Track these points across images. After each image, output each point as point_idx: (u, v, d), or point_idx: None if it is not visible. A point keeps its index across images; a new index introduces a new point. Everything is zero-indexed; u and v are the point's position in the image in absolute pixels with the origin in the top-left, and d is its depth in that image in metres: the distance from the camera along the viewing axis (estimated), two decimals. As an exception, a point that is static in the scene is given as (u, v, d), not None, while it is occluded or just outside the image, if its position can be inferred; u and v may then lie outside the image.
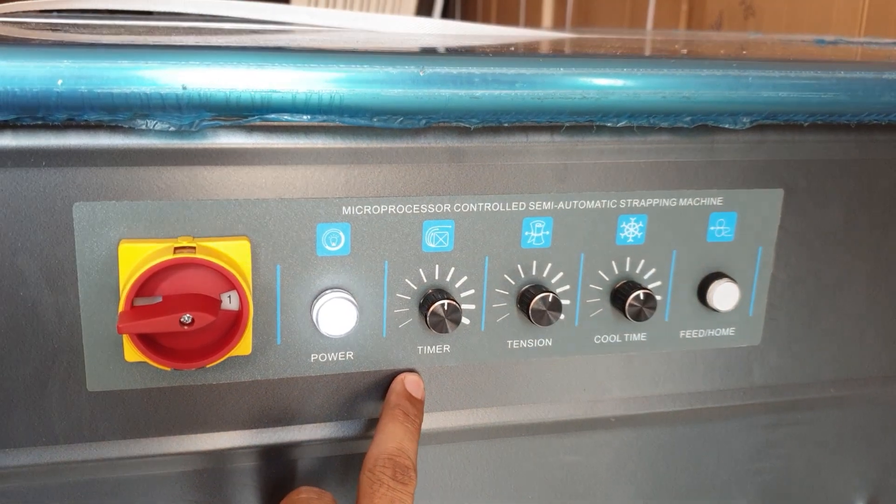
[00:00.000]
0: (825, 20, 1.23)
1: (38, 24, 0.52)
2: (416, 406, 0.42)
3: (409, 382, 0.43)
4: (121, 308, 0.36)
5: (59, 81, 0.32)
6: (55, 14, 0.71)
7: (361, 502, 0.37)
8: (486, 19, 2.75)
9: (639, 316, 0.43)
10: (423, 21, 0.69)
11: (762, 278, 0.46)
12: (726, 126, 0.41)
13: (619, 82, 0.38)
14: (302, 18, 0.63)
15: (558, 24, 2.24)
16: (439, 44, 0.52)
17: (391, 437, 0.39)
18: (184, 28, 0.53)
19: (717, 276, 0.45)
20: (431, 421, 0.44)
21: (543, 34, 0.72)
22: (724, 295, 0.45)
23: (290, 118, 0.36)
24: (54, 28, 0.48)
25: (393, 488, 0.37)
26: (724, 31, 1.50)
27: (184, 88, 0.34)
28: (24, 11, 0.67)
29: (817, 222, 0.46)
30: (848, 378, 0.49)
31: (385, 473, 0.38)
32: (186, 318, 0.37)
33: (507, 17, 2.61)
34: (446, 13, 2.91)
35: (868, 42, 0.79)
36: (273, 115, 0.36)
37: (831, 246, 0.47)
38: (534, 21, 2.35)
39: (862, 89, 0.41)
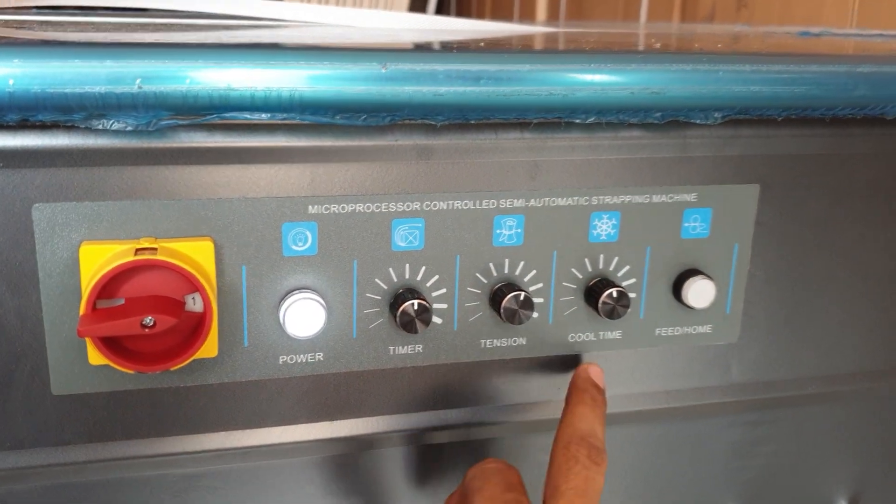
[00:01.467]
0: (817, 11, 1.22)
1: (5, 21, 0.51)
2: (601, 394, 0.43)
3: (593, 372, 0.44)
4: (82, 311, 0.36)
5: (11, 81, 0.32)
6: (34, 11, 0.71)
7: (556, 477, 0.39)
8: (480, 13, 2.75)
9: (612, 314, 0.43)
10: (404, 16, 0.68)
11: (739, 275, 0.46)
12: (698, 121, 0.41)
13: (585, 78, 0.37)
14: (279, 14, 0.63)
15: (552, 17, 2.23)
16: (416, 39, 0.51)
17: (583, 419, 0.41)
18: (153, 25, 0.53)
19: (693, 272, 0.44)
20: (404, 422, 0.44)
21: (525, 29, 0.71)
22: (699, 292, 0.44)
23: (249, 116, 0.35)
24: (20, 26, 0.47)
25: (588, 467, 0.39)
26: (716, 22, 1.50)
27: (139, 88, 0.33)
28: (2, 8, 0.67)
29: (794, 218, 0.46)
30: (828, 375, 0.49)
31: (581, 452, 0.39)
32: (148, 320, 0.36)
33: (501, 11, 2.60)
34: (441, 7, 2.90)
35: (854, 34, 0.78)
36: (231, 114, 0.35)
37: (809, 241, 0.46)
38: (528, 14, 2.34)
39: (835, 83, 0.41)
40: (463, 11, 2.97)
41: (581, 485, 0.38)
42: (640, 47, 0.47)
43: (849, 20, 1.15)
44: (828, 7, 1.20)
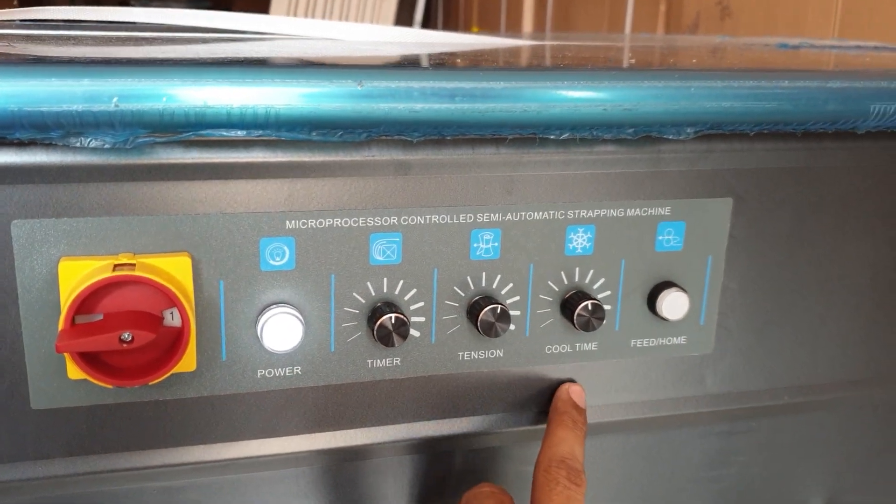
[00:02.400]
0: (800, 20, 1.23)
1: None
2: (582, 415, 0.45)
3: (574, 392, 0.45)
4: (60, 326, 0.36)
5: (-11, 100, 0.32)
6: (17, 24, 0.71)
7: (539, 497, 0.40)
8: (467, 23, 2.76)
9: (587, 326, 0.43)
10: (388, 30, 0.69)
11: (713, 287, 0.46)
12: (671, 137, 0.41)
13: (558, 94, 0.38)
14: (263, 27, 0.63)
15: (539, 27, 2.24)
16: (397, 54, 0.52)
17: (562, 442, 0.42)
18: (133, 38, 0.53)
19: (667, 285, 0.45)
20: (383, 434, 0.44)
21: (507, 42, 0.72)
22: (673, 304, 0.45)
23: (225, 133, 0.36)
24: (0, 39, 0.48)
25: (568, 487, 0.40)
26: (700, 32, 1.51)
27: (116, 106, 0.33)
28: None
29: (767, 231, 0.46)
30: (801, 385, 0.49)
31: (560, 474, 0.41)
32: (126, 335, 0.36)
33: (488, 22, 2.61)
34: (428, 17, 2.91)
35: (832, 46, 0.79)
36: (208, 131, 0.35)
37: (782, 254, 0.47)
38: (514, 25, 2.35)
39: (806, 98, 0.42)
40: (450, 22, 2.98)
41: (564, 503, 0.39)
42: (617, 62, 0.48)
43: (831, 28, 1.16)
44: (811, 15, 1.21)
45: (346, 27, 0.65)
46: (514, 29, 2.33)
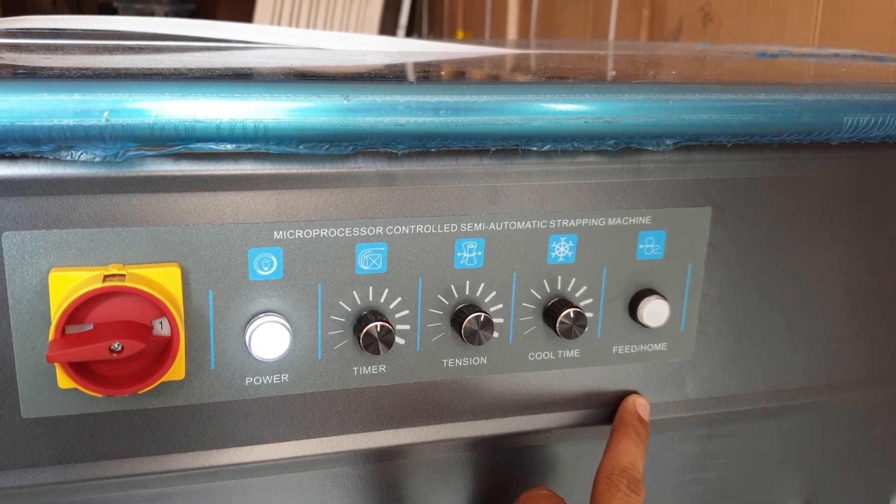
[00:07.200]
0: (780, 27, 1.25)
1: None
2: (645, 427, 0.47)
3: (640, 406, 0.47)
4: (51, 337, 0.37)
5: (-20, 115, 0.33)
6: (2, 32, 0.71)
7: (599, 502, 0.42)
8: (451, 28, 2.77)
9: (569, 333, 0.44)
10: (373, 39, 0.70)
11: (692, 294, 0.47)
12: (650, 148, 0.42)
13: (540, 108, 0.39)
14: (249, 37, 0.64)
15: (523, 32, 2.26)
16: (382, 64, 0.53)
17: (625, 452, 0.44)
18: (120, 48, 0.53)
19: (648, 292, 0.46)
20: (369, 440, 0.45)
21: (491, 51, 0.73)
22: (653, 311, 0.46)
23: (215, 147, 0.36)
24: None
25: (628, 495, 0.42)
26: (682, 38, 1.52)
27: (106, 120, 0.34)
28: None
29: (746, 239, 0.47)
30: (779, 390, 0.50)
31: (622, 482, 0.43)
32: (116, 345, 0.37)
33: (472, 27, 2.62)
34: (412, 22, 2.92)
35: (810, 54, 0.80)
36: (198, 145, 0.36)
37: (760, 261, 0.48)
38: (499, 30, 2.37)
39: (782, 111, 0.43)
40: (434, 27, 2.99)
41: None
42: (599, 74, 0.49)
43: (811, 34, 1.18)
44: (791, 22, 1.23)
45: (331, 36, 0.66)
46: (498, 34, 2.34)
